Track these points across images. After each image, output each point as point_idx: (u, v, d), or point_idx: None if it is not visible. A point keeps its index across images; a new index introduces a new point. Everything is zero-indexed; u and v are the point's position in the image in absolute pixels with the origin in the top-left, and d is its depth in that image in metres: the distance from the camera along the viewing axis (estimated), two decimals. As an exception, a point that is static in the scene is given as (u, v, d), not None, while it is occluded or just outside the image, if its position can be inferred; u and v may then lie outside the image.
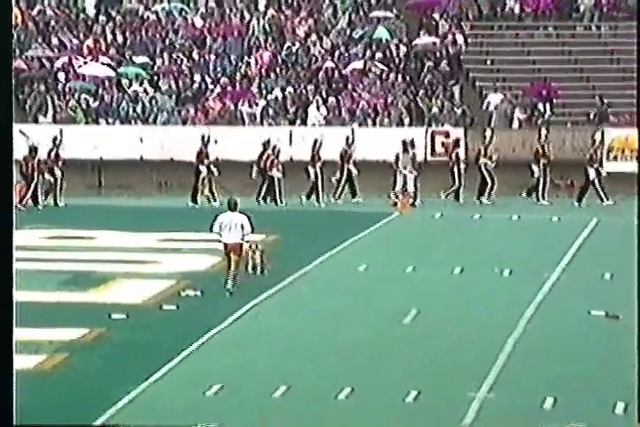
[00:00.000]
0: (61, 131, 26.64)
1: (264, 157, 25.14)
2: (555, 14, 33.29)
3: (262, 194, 25.13)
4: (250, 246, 17.44)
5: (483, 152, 25.58)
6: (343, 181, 25.67)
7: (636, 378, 10.44)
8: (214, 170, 24.92)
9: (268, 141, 25.52)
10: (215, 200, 24.88)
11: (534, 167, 25.42)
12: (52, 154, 25.33)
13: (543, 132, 26.11)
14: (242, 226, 15.67)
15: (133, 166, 28.59)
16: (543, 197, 25.37)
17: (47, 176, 25.07)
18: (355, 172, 25.61)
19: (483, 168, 25.46)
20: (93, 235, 21.30)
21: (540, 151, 25.49)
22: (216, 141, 27.90)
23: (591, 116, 30.26)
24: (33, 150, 25.21)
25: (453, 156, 25.73)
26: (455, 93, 31.01)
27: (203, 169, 24.84)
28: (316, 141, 25.63)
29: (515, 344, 13.57)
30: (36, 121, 30.32)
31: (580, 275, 17.67)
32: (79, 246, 20.10)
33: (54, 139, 25.65)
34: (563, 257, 19.01)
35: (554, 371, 12.52)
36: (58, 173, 25.11)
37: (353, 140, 26.21)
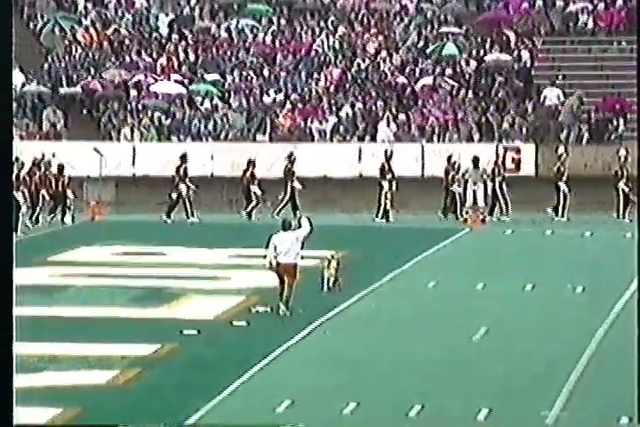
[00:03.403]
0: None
1: (447, 174, 26.05)
2: (629, 28, 32.91)
3: (445, 208, 26.03)
4: (326, 258, 17.35)
5: (620, 173, 25.80)
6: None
7: (637, 378, 10.44)
8: (394, 185, 25.83)
9: (449, 158, 26.19)
10: (384, 216, 25.73)
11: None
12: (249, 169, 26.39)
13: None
14: (295, 246, 15.43)
15: (204, 183, 28.78)
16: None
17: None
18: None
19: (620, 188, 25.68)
20: (164, 251, 21.48)
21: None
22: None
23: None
24: (250, 164, 26.27)
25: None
26: (527, 109, 30.80)
27: (385, 184, 25.73)
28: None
29: (587, 362, 13.39)
30: (110, 138, 30.72)
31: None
32: (151, 262, 20.27)
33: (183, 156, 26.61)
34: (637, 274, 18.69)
35: (628, 390, 12.33)
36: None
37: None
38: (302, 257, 15.69)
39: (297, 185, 26.32)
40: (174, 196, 25.88)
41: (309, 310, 15.78)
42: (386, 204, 25.78)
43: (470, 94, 31.23)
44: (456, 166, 26.11)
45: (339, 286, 17.37)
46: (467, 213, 25.96)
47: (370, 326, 15.34)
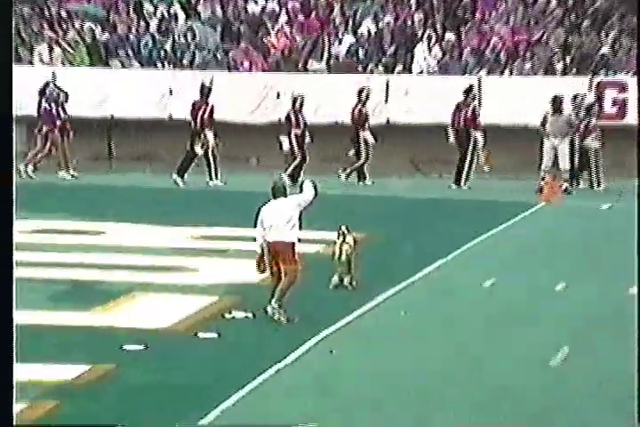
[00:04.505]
0: None
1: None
2: None
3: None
4: (339, 232, 17.44)
5: None
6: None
7: (637, 378, 11.15)
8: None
9: (556, 99, 26.71)
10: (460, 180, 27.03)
11: None
12: None
13: None
14: (290, 217, 15.55)
15: (158, 129, 28.93)
16: None
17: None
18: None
19: None
20: (101, 228, 21.66)
21: None
22: (278, 95, 28.17)
23: None
24: (296, 102, 26.90)
25: None
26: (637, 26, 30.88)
27: (478, 136, 26.88)
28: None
29: None
30: (18, 60, 30.83)
31: None
32: (81, 245, 20.45)
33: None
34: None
35: None
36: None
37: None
38: (299, 240, 15.83)
39: (369, 137, 26.74)
40: (197, 149, 26.20)
41: (309, 316, 15.94)
42: (471, 164, 26.62)
43: (553, 3, 31.31)
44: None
45: (352, 281, 17.53)
46: (543, 178, 26.11)
47: (397, 343, 15.49)
